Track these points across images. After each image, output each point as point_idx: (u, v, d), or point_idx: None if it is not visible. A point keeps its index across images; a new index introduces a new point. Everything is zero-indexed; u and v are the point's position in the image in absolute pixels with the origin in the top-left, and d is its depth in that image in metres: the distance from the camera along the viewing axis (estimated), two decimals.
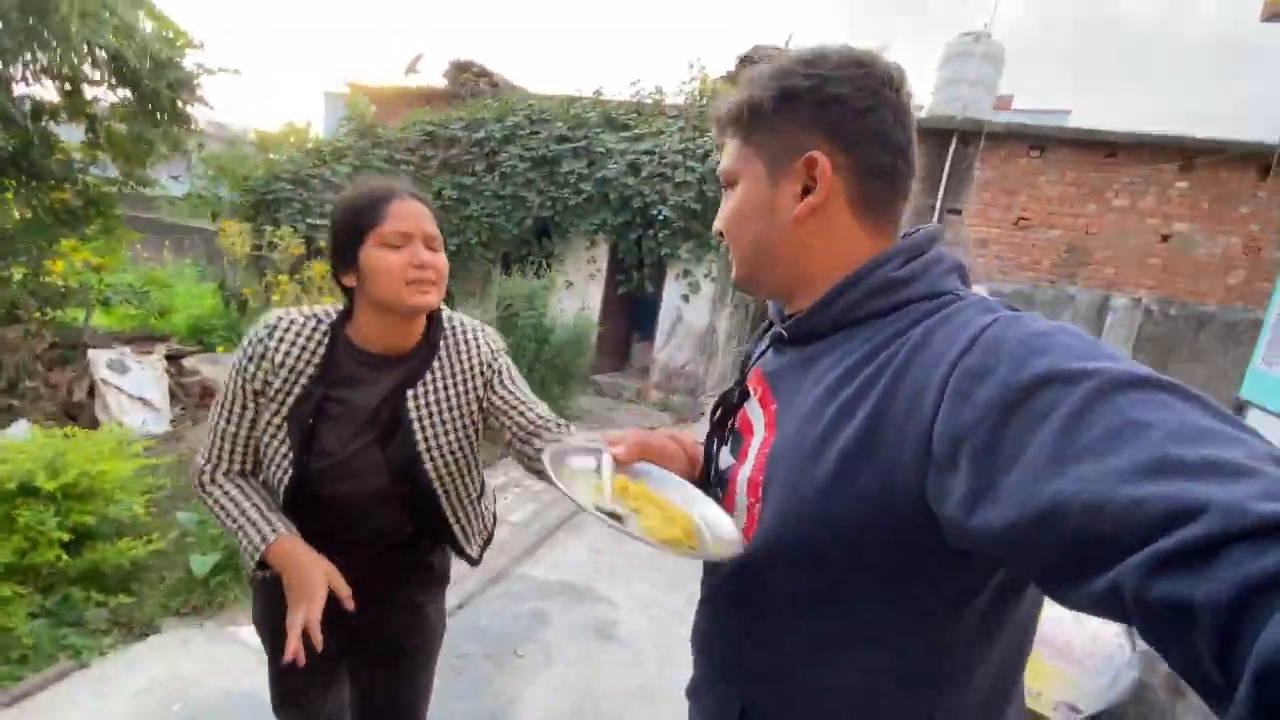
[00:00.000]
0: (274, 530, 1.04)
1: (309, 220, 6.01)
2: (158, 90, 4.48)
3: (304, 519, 1.09)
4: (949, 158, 7.74)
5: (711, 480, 0.79)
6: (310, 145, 7.38)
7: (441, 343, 1.16)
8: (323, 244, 5.18)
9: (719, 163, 0.75)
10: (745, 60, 6.65)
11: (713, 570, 0.78)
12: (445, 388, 1.15)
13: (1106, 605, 0.41)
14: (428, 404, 1.14)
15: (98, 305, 5.07)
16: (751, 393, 0.76)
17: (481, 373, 1.18)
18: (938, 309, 0.61)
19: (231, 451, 1.10)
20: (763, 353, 0.79)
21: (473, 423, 1.18)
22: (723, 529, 0.70)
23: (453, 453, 1.15)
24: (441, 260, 1.09)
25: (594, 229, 6.70)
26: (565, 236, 6.93)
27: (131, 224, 5.05)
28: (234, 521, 1.06)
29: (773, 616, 0.70)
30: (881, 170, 0.66)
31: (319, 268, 4.64)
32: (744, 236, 0.72)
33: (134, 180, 4.47)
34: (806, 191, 0.67)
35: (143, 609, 2.29)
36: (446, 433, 1.15)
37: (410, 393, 1.12)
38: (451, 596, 1.44)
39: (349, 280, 1.09)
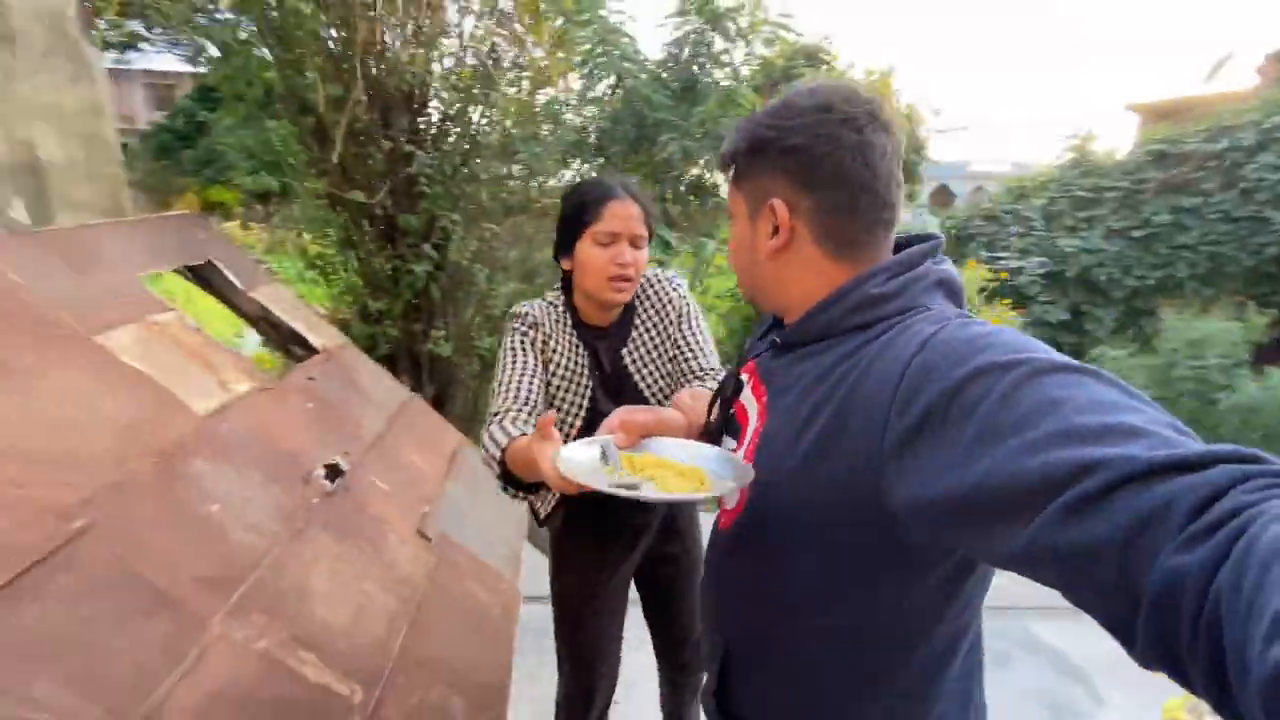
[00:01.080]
0: (514, 435, 1.13)
1: (994, 254, 6.60)
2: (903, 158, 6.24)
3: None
4: None
5: None
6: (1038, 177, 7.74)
7: (637, 302, 1.32)
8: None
9: None
10: None
11: (714, 533, 0.87)
12: (651, 338, 1.31)
13: (1025, 558, 0.48)
14: (640, 356, 1.31)
15: None
16: (744, 382, 0.85)
17: (674, 316, 1.33)
18: (900, 322, 0.67)
19: (523, 391, 1.25)
20: (760, 352, 0.86)
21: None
22: (730, 466, 0.78)
23: (675, 391, 1.29)
24: (643, 257, 1.24)
25: None
26: None
27: None
28: (496, 443, 1.16)
29: (756, 576, 0.80)
30: (842, 207, 0.71)
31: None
32: (737, 267, 0.83)
33: None
34: (776, 230, 0.74)
35: None
36: (664, 375, 1.30)
37: (624, 350, 1.30)
38: None
39: (566, 265, 1.27)
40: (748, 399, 0.83)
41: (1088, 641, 2.90)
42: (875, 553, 0.68)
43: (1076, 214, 6.55)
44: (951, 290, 0.73)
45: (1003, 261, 6.26)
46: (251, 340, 3.92)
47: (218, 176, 13.69)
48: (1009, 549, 0.49)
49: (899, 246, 0.76)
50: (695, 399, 0.96)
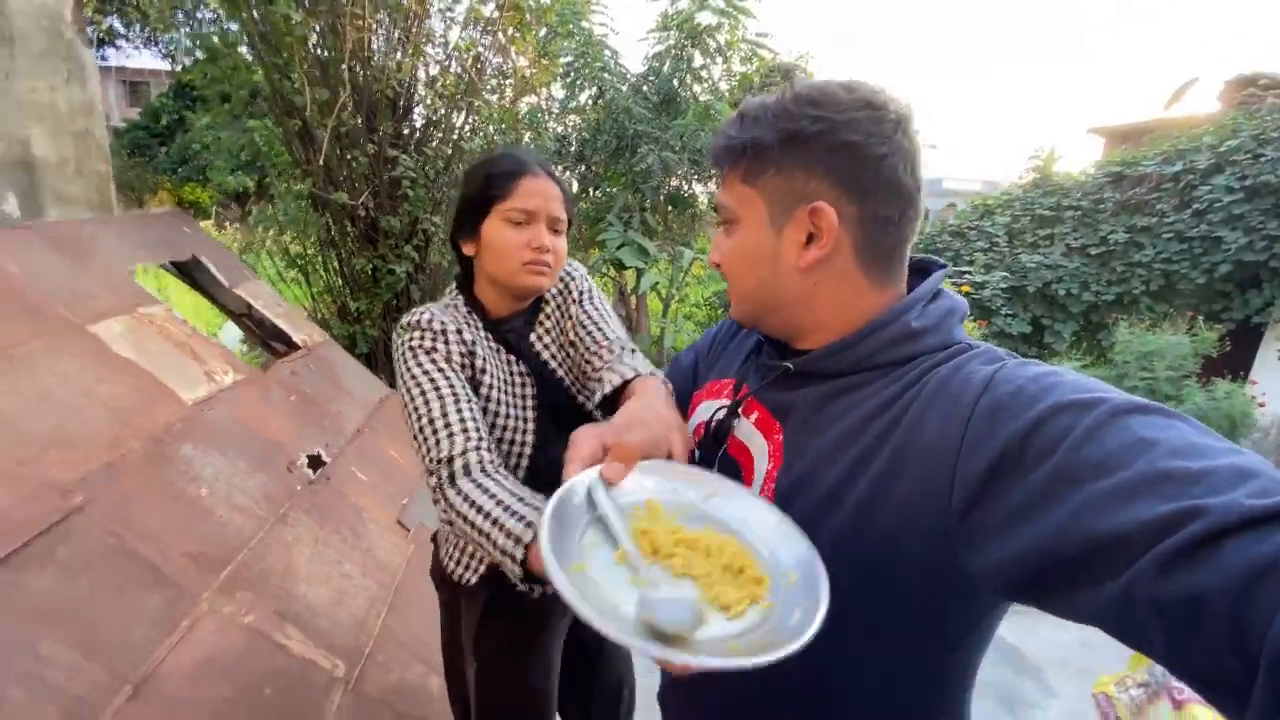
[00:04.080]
0: (528, 532, 0.83)
1: (960, 269, 6.83)
2: None
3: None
4: None
5: None
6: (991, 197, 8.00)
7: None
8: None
9: None
10: None
11: None
12: (556, 322, 1.16)
13: (1116, 612, 0.43)
14: (549, 342, 1.15)
15: None
16: (743, 416, 0.73)
17: (575, 295, 1.17)
18: (948, 359, 0.62)
19: (472, 425, 0.98)
20: (761, 382, 0.73)
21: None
22: (785, 555, 0.60)
23: (581, 371, 1.13)
24: (562, 245, 1.08)
25: None
26: None
27: None
28: (487, 516, 0.87)
29: None
30: (889, 220, 0.63)
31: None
32: (748, 279, 0.70)
33: None
34: (810, 239, 0.64)
35: None
36: (570, 358, 1.15)
37: (533, 337, 1.14)
38: None
39: (468, 249, 1.09)
40: (748, 434, 0.72)
41: (1040, 637, 3.07)
42: (925, 614, 0.62)
43: (1038, 231, 6.82)
44: (963, 318, 0.69)
45: (968, 276, 6.49)
46: (231, 335, 3.94)
47: (193, 175, 13.55)
48: (1097, 602, 0.44)
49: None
50: (649, 406, 0.78)
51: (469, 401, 0.99)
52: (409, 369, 1.01)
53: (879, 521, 0.59)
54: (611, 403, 0.93)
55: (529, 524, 0.83)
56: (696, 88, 5.28)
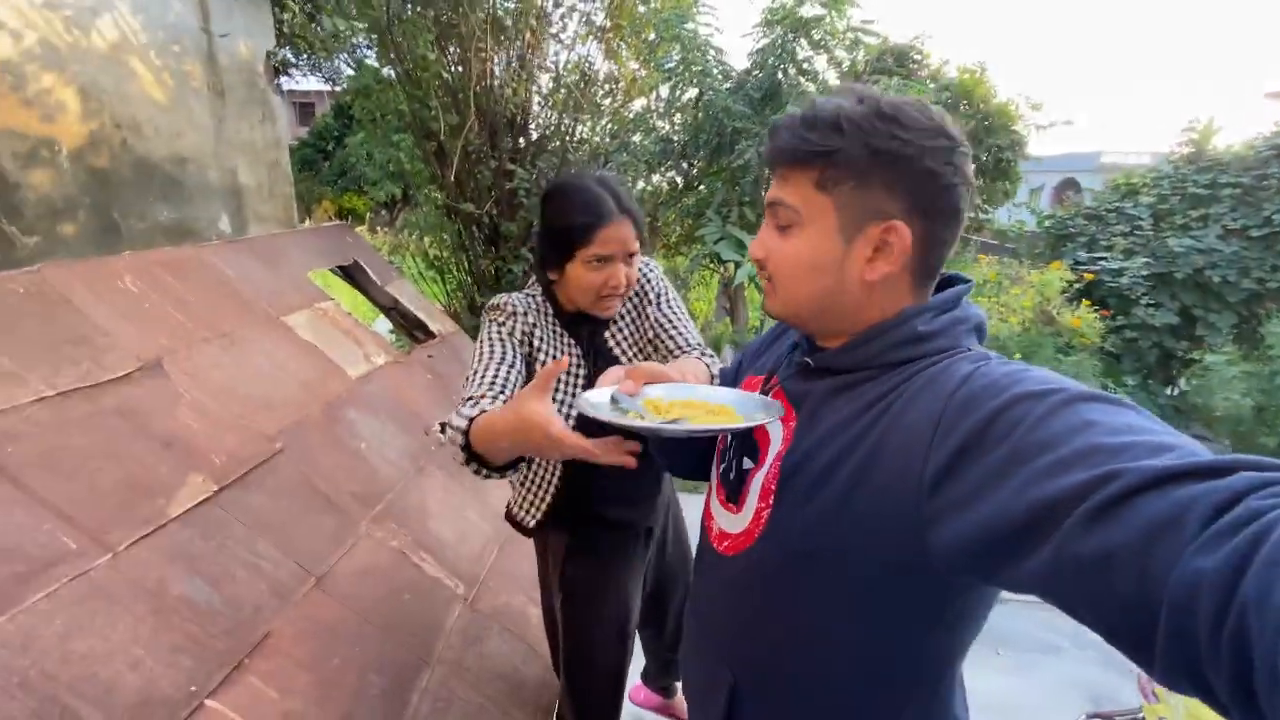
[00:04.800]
0: (478, 409, 1.06)
1: (1093, 254, 6.35)
2: (999, 157, 6.41)
3: (581, 467, 1.08)
4: None
5: (730, 479, 0.83)
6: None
7: None
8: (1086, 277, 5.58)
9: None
10: None
11: (711, 558, 0.85)
12: (632, 319, 1.32)
13: (1049, 575, 0.47)
14: (624, 340, 1.31)
15: None
16: None
17: (652, 297, 1.33)
18: (940, 361, 0.66)
19: (489, 385, 1.17)
20: (790, 373, 0.80)
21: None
22: (754, 402, 0.78)
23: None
24: (635, 273, 1.22)
25: None
26: None
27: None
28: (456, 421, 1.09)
29: (769, 609, 0.76)
30: (945, 241, 0.69)
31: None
32: (807, 285, 0.72)
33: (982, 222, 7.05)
34: (875, 252, 0.67)
35: None
36: (646, 358, 1.29)
37: (608, 334, 1.30)
38: None
39: (553, 275, 1.24)
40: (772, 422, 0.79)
41: None
42: (905, 589, 0.66)
43: (1189, 212, 6.17)
44: (983, 333, 0.73)
45: (1102, 263, 6.02)
46: (382, 325, 4.59)
47: (350, 185, 15.22)
48: (1036, 566, 0.48)
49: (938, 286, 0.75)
50: (685, 371, 0.93)
51: (508, 367, 1.18)
52: (482, 335, 1.26)
53: (861, 500, 0.65)
54: None
55: (480, 412, 1.06)
56: (801, 80, 5.33)
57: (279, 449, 1.68)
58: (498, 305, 1.27)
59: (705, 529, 0.89)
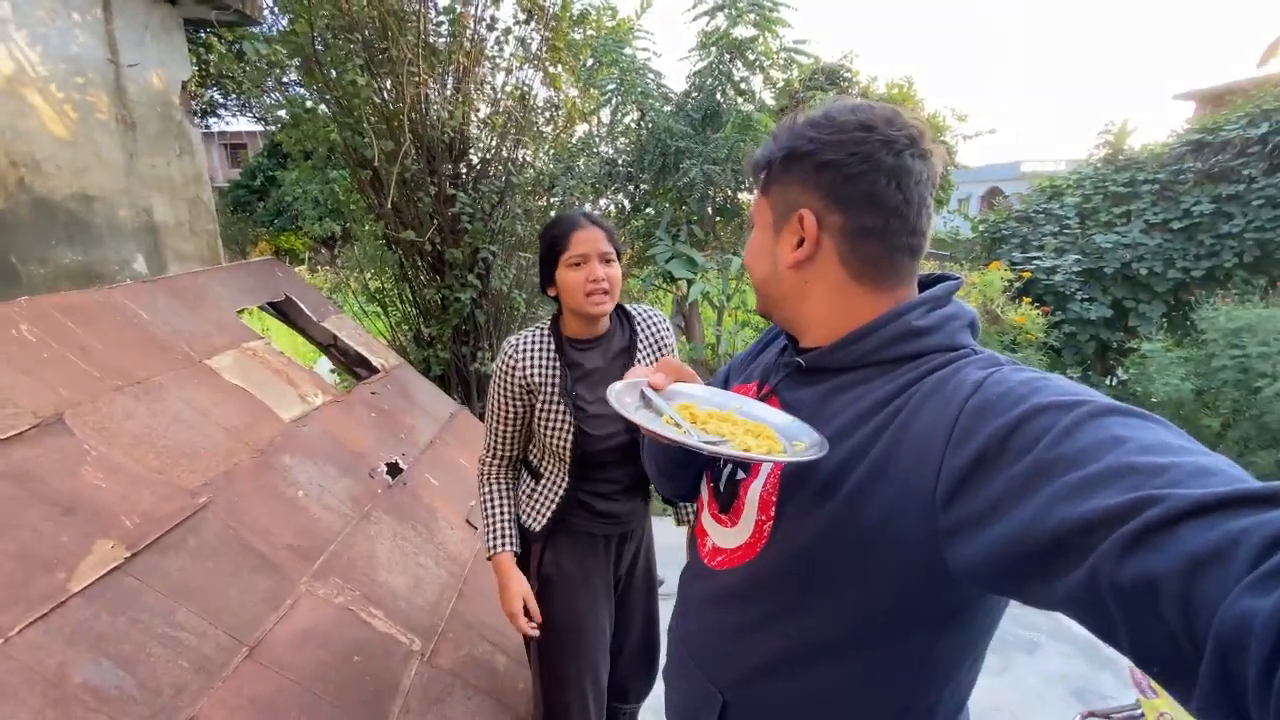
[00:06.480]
0: (502, 544, 1.48)
1: (1027, 254, 6.58)
2: None
3: (580, 472, 1.45)
4: None
5: (721, 490, 0.83)
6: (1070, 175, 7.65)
7: (638, 327, 1.52)
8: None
9: None
10: None
11: (702, 575, 0.84)
12: (649, 353, 1.51)
13: (1084, 598, 0.45)
14: (646, 364, 1.46)
15: None
16: None
17: (666, 352, 1.52)
18: (949, 362, 0.65)
19: (505, 443, 1.50)
20: (781, 377, 0.81)
21: None
22: (796, 426, 0.72)
23: None
24: (615, 272, 1.40)
25: None
26: None
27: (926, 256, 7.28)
28: (488, 516, 1.51)
29: (763, 624, 0.74)
30: (872, 230, 0.69)
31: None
32: (756, 275, 0.80)
33: None
34: (801, 243, 0.72)
35: None
36: None
37: (637, 356, 1.48)
38: None
39: (552, 291, 1.44)
40: None
41: None
42: (912, 600, 0.64)
43: (1113, 210, 6.48)
44: (975, 330, 0.73)
45: (1035, 262, 6.24)
46: (325, 366, 4.37)
47: (287, 225, 14.78)
48: (1067, 587, 0.46)
49: (920, 284, 0.76)
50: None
51: (509, 427, 1.48)
52: (492, 390, 1.48)
53: (870, 509, 0.63)
54: None
55: (505, 542, 1.48)
56: (739, 100, 5.40)
57: (203, 503, 1.51)
58: (504, 350, 1.46)
59: (696, 546, 0.87)
